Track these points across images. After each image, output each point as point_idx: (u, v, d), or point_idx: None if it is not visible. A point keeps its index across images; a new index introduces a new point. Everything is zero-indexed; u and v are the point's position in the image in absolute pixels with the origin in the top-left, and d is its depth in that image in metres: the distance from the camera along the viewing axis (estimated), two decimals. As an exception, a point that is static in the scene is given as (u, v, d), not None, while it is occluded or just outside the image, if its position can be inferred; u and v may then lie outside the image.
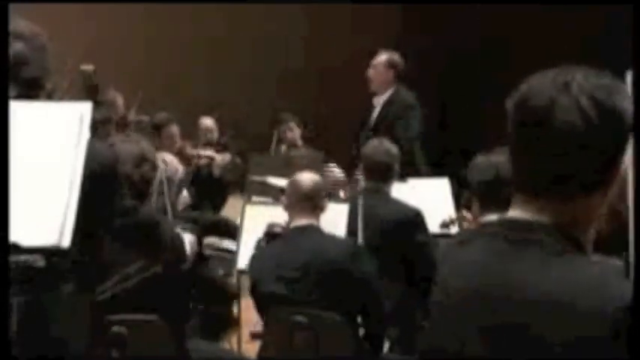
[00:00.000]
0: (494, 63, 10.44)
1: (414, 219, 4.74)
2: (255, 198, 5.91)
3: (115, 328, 3.32)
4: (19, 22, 2.52)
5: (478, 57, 10.51)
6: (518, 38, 10.10)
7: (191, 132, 7.74)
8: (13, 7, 2.46)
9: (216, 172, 7.43)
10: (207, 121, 7.86)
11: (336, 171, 7.48)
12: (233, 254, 4.89)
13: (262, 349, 4.09)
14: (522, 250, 1.49)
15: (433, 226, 4.96)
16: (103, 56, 7.97)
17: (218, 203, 7.07)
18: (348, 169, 6.49)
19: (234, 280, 5.12)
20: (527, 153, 1.51)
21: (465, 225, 5.21)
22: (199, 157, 7.32)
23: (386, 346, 4.66)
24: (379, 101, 6.61)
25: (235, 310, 5.25)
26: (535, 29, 10.02)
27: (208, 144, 7.73)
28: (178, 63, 9.55)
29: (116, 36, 9.15)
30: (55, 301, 2.42)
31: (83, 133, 2.26)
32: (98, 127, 4.31)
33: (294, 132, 7.80)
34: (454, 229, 5.20)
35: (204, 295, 3.83)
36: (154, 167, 3.68)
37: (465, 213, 5.28)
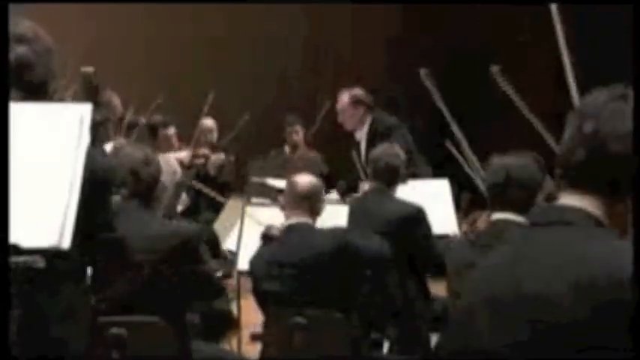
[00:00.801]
0: (495, 63, 10.44)
1: (416, 215, 4.78)
2: (254, 199, 5.91)
3: (115, 330, 3.31)
4: (23, 23, 2.50)
5: (478, 57, 10.50)
6: (519, 38, 10.11)
7: (191, 133, 7.72)
8: (12, 7, 2.46)
9: (212, 171, 7.42)
10: (208, 122, 7.85)
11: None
12: (233, 255, 4.89)
13: (263, 350, 4.10)
14: (567, 231, 1.57)
15: (434, 227, 4.96)
16: (103, 56, 7.98)
17: (217, 205, 7.05)
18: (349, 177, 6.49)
19: (234, 281, 5.12)
20: (579, 151, 1.59)
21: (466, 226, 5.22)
22: (195, 156, 7.30)
23: (385, 346, 4.67)
24: (361, 135, 6.56)
25: (235, 311, 5.24)
26: (535, 29, 10.02)
27: (208, 145, 7.72)
28: (178, 63, 9.55)
29: (116, 36, 9.15)
30: (55, 302, 2.42)
31: (83, 134, 2.25)
32: (98, 129, 4.30)
33: (299, 134, 7.80)
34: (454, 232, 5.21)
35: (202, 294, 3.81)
36: (158, 171, 3.68)
37: (466, 226, 5.30)
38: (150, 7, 9.23)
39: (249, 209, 4.91)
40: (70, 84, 5.47)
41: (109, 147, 4.64)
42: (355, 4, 10.34)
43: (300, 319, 3.87)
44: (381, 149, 5.04)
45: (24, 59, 2.45)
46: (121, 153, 3.69)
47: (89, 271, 2.95)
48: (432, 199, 5.22)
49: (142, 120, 6.93)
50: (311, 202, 4.12)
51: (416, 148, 6.52)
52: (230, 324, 5.11)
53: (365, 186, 6.06)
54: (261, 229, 4.34)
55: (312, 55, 10.33)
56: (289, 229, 4.11)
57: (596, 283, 1.45)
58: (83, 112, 2.29)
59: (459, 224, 5.34)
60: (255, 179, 6.53)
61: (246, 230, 4.73)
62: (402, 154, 5.01)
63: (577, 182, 1.60)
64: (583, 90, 2.46)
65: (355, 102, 6.52)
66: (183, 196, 5.27)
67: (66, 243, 2.14)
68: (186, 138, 7.48)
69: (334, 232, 4.17)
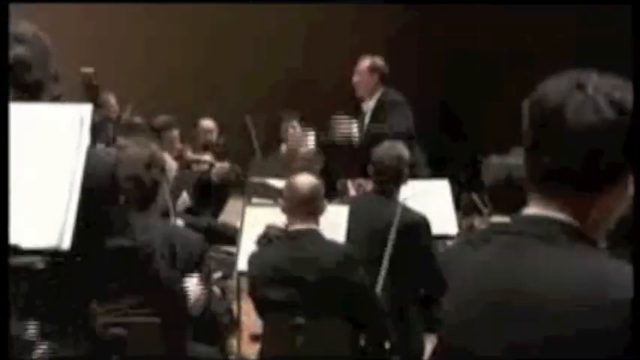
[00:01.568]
0: (495, 63, 10.44)
1: (420, 225, 4.74)
2: (255, 200, 5.90)
3: (115, 330, 3.31)
4: (22, 23, 2.50)
5: (478, 57, 10.51)
6: (519, 39, 10.10)
7: (190, 133, 7.72)
8: (13, 7, 2.45)
9: (215, 179, 7.35)
10: (207, 122, 7.84)
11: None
12: (233, 256, 4.88)
13: (263, 351, 4.09)
14: (539, 246, 1.51)
15: (433, 227, 4.95)
16: (102, 57, 7.97)
17: (218, 207, 7.05)
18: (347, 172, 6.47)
19: (233, 282, 5.12)
20: (542, 152, 1.53)
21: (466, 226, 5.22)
22: (199, 162, 7.27)
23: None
24: (368, 106, 6.60)
25: (235, 312, 5.24)
26: (535, 30, 10.01)
27: (208, 145, 7.70)
28: (178, 63, 9.55)
29: (116, 36, 9.15)
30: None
31: (84, 135, 2.25)
32: (98, 129, 4.30)
33: (296, 130, 7.79)
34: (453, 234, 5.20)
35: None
36: (163, 170, 3.67)
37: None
38: (150, 7, 9.22)
39: (249, 209, 4.90)
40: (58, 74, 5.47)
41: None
42: (355, 4, 10.35)
43: (300, 321, 3.86)
44: (384, 149, 4.91)
45: (22, 59, 2.44)
46: (125, 154, 3.67)
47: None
48: (432, 199, 5.20)
49: (137, 119, 6.91)
50: (313, 205, 4.05)
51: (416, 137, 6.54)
52: (230, 325, 5.11)
53: (349, 184, 6.06)
54: (261, 230, 4.33)
55: (312, 55, 10.33)
56: (295, 235, 4.05)
57: (581, 305, 1.42)
58: (83, 112, 2.28)
59: (459, 224, 5.32)
60: (255, 180, 6.51)
61: (246, 231, 4.72)
62: (406, 154, 4.89)
63: (547, 188, 1.54)
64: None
65: (373, 69, 6.57)
66: (185, 197, 5.26)
67: (66, 244, 2.14)
68: (185, 138, 7.48)
69: (340, 247, 4.13)
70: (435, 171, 6.63)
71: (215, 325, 4.68)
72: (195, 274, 3.60)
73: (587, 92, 1.50)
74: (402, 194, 4.93)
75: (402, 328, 4.66)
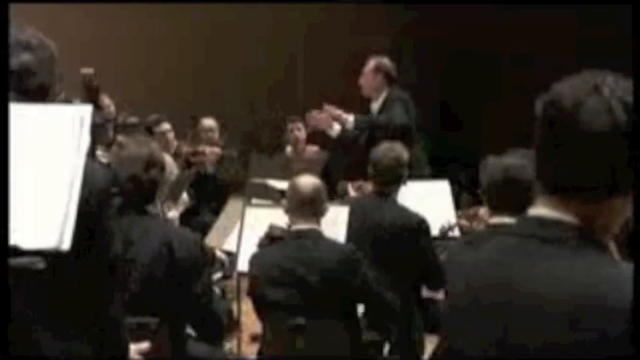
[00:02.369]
0: (495, 63, 10.44)
1: (418, 226, 4.74)
2: (255, 200, 5.90)
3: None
4: (27, 30, 2.51)
5: (478, 57, 10.51)
6: (519, 39, 10.10)
7: (190, 133, 7.72)
8: (12, 7, 2.46)
9: (209, 169, 7.39)
10: (208, 121, 7.84)
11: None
12: (233, 256, 4.88)
13: (264, 352, 4.09)
14: (547, 248, 1.50)
15: (433, 229, 4.96)
16: (102, 57, 7.97)
17: (217, 206, 7.05)
18: (349, 173, 6.49)
19: (233, 282, 5.12)
20: (554, 153, 1.52)
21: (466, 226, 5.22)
22: (194, 154, 7.28)
23: (385, 349, 4.66)
24: (375, 107, 6.68)
25: (235, 312, 5.24)
26: (535, 30, 10.02)
27: (209, 144, 7.70)
28: (178, 63, 9.54)
29: (116, 36, 9.14)
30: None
31: (84, 135, 2.25)
32: (98, 131, 4.30)
33: (302, 132, 7.80)
34: (452, 233, 5.20)
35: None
36: (163, 169, 3.66)
37: (464, 221, 5.28)
38: (150, 7, 9.22)
39: (249, 210, 4.90)
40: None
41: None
42: (355, 4, 10.35)
43: (300, 321, 3.86)
44: (382, 150, 4.92)
45: (27, 66, 2.45)
46: (125, 153, 3.66)
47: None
48: (432, 199, 5.20)
49: (133, 119, 6.91)
50: (315, 206, 4.07)
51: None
52: (230, 325, 5.10)
53: (349, 186, 6.10)
54: (260, 230, 4.33)
55: (313, 55, 10.33)
56: (296, 235, 4.07)
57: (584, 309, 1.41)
58: (83, 113, 2.28)
59: (458, 220, 5.32)
60: (255, 180, 6.51)
61: (246, 231, 4.72)
62: (405, 155, 4.90)
63: (556, 189, 1.54)
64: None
65: (377, 69, 6.66)
66: (184, 197, 5.26)
67: (66, 245, 2.14)
68: (186, 139, 7.49)
69: (343, 246, 4.15)
70: (436, 171, 6.64)
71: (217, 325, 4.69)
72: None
73: (603, 95, 1.49)
74: (401, 194, 4.94)
75: (403, 329, 4.66)
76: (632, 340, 1.36)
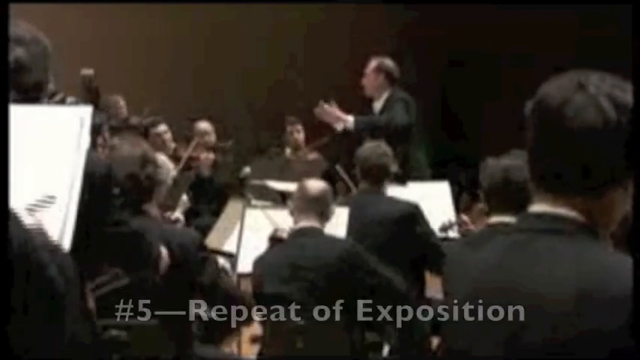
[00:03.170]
0: (495, 63, 10.44)
1: (413, 213, 4.80)
2: (254, 202, 5.90)
3: (115, 332, 3.31)
4: (21, 25, 2.51)
5: (479, 57, 10.51)
6: (519, 39, 10.10)
7: (188, 135, 7.71)
8: (12, 7, 2.45)
9: (205, 172, 7.37)
10: (203, 124, 7.79)
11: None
12: (233, 257, 4.88)
13: (264, 352, 4.10)
14: (547, 241, 1.51)
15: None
16: (101, 57, 7.97)
17: (217, 207, 7.04)
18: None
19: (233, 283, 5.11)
20: (545, 152, 1.54)
21: (465, 227, 5.21)
22: (191, 158, 7.26)
23: (385, 349, 4.66)
24: (377, 106, 6.69)
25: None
26: (535, 30, 10.02)
27: (206, 147, 7.69)
28: (177, 63, 9.54)
29: (116, 36, 9.14)
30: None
31: (84, 136, 2.25)
32: (97, 132, 4.29)
33: (301, 134, 7.80)
34: (452, 233, 5.20)
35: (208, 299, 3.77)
36: (157, 167, 3.68)
37: (464, 217, 5.30)
38: (150, 7, 9.22)
39: (249, 211, 4.90)
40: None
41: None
42: (355, 4, 10.35)
43: (300, 321, 3.87)
44: (369, 149, 5.02)
45: (21, 62, 2.45)
46: (119, 153, 3.67)
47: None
48: (432, 201, 5.21)
49: (134, 120, 6.91)
50: (321, 207, 4.14)
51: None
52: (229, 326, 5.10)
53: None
54: (260, 232, 4.35)
55: (313, 55, 10.33)
56: (298, 233, 4.13)
57: (590, 299, 1.41)
58: (83, 114, 2.29)
59: (459, 227, 5.32)
60: (255, 181, 6.51)
61: (246, 233, 4.72)
62: (390, 152, 4.99)
63: (550, 187, 1.55)
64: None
65: (378, 69, 6.68)
66: (184, 199, 5.26)
67: (66, 244, 2.14)
68: (183, 140, 7.47)
69: (342, 242, 4.17)
70: (436, 172, 6.65)
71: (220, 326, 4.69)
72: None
73: (588, 92, 1.50)
74: (397, 194, 4.98)
75: (403, 328, 4.66)
76: (632, 330, 1.37)
